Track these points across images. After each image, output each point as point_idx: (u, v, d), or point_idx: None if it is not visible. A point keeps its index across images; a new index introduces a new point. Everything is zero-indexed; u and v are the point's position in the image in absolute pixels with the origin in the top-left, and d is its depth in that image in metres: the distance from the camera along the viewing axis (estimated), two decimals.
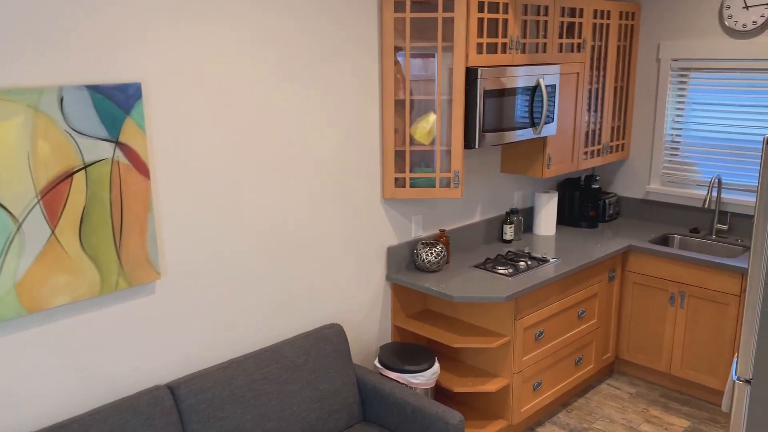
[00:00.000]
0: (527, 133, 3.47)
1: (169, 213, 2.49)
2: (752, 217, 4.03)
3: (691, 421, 3.69)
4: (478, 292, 3.15)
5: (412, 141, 3.24)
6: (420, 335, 3.65)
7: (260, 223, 2.80)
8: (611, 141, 4.33)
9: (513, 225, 3.97)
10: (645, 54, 4.34)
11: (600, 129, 4.17)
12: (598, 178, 4.36)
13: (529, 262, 3.53)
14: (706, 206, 3.98)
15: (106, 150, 2.25)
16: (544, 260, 3.59)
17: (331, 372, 2.92)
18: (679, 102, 4.28)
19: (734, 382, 2.82)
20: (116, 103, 2.25)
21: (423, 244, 3.44)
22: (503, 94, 3.27)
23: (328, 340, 2.97)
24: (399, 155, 3.29)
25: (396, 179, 3.29)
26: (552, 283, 3.41)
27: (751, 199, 4.02)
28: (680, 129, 4.31)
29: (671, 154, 4.38)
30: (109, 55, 2.24)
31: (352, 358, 3.32)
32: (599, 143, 4.19)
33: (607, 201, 4.45)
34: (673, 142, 4.35)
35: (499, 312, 3.28)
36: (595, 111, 4.12)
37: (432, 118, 3.20)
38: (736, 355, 3.09)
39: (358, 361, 3.37)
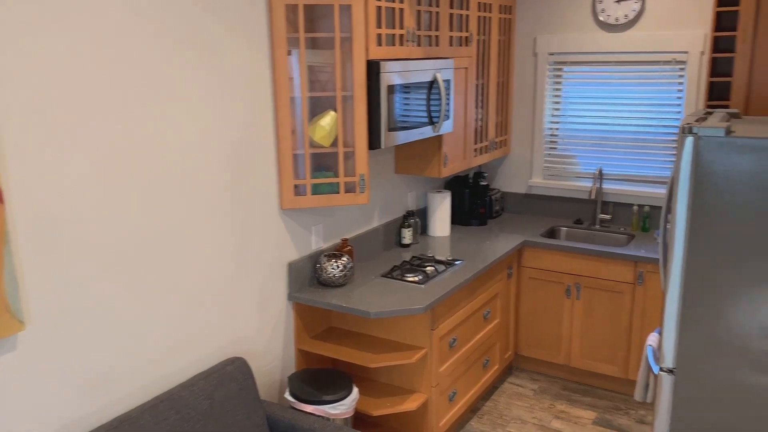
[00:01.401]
0: (427, 131, 3.27)
1: (33, 247, 1.96)
2: (632, 206, 4.18)
3: (597, 412, 3.72)
4: (395, 305, 2.89)
5: (311, 143, 2.90)
6: (329, 358, 3.32)
7: (137, 252, 2.32)
8: (496, 137, 4.28)
9: (411, 228, 3.77)
10: (522, 48, 4.35)
11: (486, 125, 4.10)
12: (485, 174, 4.29)
13: (436, 267, 3.34)
14: (593, 197, 4.06)
15: None
16: (450, 263, 3.42)
17: (239, 415, 2.51)
18: (556, 96, 4.33)
19: (655, 373, 2.82)
20: None
21: (326, 256, 3.12)
22: (406, 89, 3.04)
23: (233, 377, 2.56)
24: (298, 160, 2.94)
25: (296, 186, 2.94)
26: (463, 287, 3.25)
27: (630, 188, 4.16)
28: (558, 123, 4.37)
29: (551, 148, 4.43)
30: None
31: (259, 393, 2.91)
32: (486, 139, 4.12)
33: (492, 197, 4.40)
34: (552, 136, 4.41)
35: (414, 323, 3.05)
36: (482, 107, 4.04)
37: (332, 117, 2.88)
38: (648, 344, 3.11)
39: (265, 397, 2.97)
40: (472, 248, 3.72)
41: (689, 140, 2.50)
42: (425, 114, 3.25)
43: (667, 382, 2.73)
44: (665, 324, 2.70)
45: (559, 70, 4.28)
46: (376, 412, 2.97)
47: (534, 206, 4.52)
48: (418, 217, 4.02)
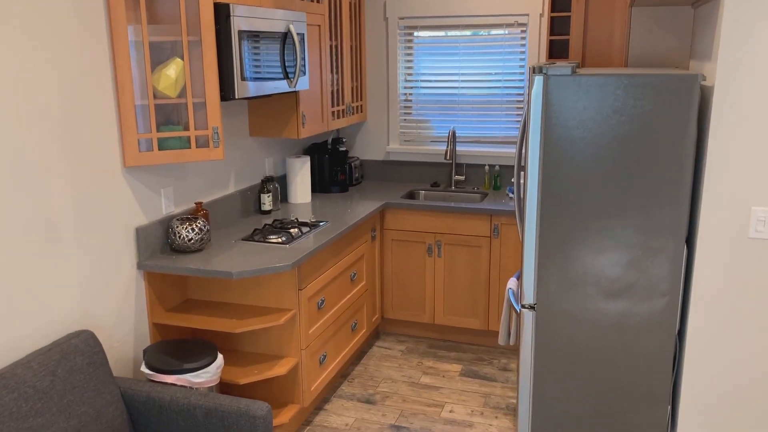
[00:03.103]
0: (282, 86, 3.13)
1: None
2: (483, 166, 4.32)
3: (462, 364, 3.80)
4: (259, 264, 2.74)
5: (155, 94, 2.65)
6: (188, 329, 3.08)
7: None
8: (353, 102, 4.23)
9: (270, 194, 3.61)
10: (373, 13, 4.33)
11: (342, 89, 4.03)
12: (344, 140, 4.23)
13: (300, 228, 3.22)
14: (447, 158, 4.14)
15: None
16: (315, 225, 3.32)
17: (89, 392, 2.23)
18: (408, 61, 4.37)
19: (516, 312, 2.92)
20: None
21: (179, 220, 2.88)
22: (258, 37, 2.88)
23: (79, 351, 2.27)
24: (141, 112, 2.68)
25: (140, 141, 2.67)
26: (328, 246, 3.16)
27: (481, 149, 4.30)
28: (412, 88, 4.41)
29: (405, 113, 4.47)
30: None
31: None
32: (343, 103, 4.05)
33: (352, 165, 4.35)
34: (407, 101, 4.44)
35: (281, 284, 2.91)
36: (336, 71, 3.96)
37: (177, 64, 2.66)
38: (508, 287, 3.22)
39: (118, 374, 2.68)
40: (336, 212, 3.64)
41: (539, 79, 2.60)
42: (279, 68, 3.11)
43: (529, 318, 2.83)
44: (525, 265, 2.79)
45: (410, 34, 4.32)
46: (243, 380, 2.80)
47: (392, 172, 4.54)
48: (278, 184, 3.87)
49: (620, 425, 2.80)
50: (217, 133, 2.73)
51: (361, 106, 4.38)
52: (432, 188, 4.33)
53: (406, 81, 4.40)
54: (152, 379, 2.50)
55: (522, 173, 3.18)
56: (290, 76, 3.19)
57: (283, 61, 3.12)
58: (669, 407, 2.75)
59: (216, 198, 3.31)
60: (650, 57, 3.54)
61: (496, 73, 4.19)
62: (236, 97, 2.74)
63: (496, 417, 3.24)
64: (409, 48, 4.34)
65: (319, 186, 4.18)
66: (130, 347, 2.75)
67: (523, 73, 4.14)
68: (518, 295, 3.04)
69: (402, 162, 4.50)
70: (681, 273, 2.61)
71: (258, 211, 3.65)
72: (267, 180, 3.62)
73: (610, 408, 2.80)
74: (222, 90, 2.75)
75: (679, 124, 2.47)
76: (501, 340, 3.37)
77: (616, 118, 2.53)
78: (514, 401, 3.38)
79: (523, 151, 3.12)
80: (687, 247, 2.62)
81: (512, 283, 3.30)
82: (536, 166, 2.67)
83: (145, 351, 2.62)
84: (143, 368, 2.53)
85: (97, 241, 2.54)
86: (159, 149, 2.69)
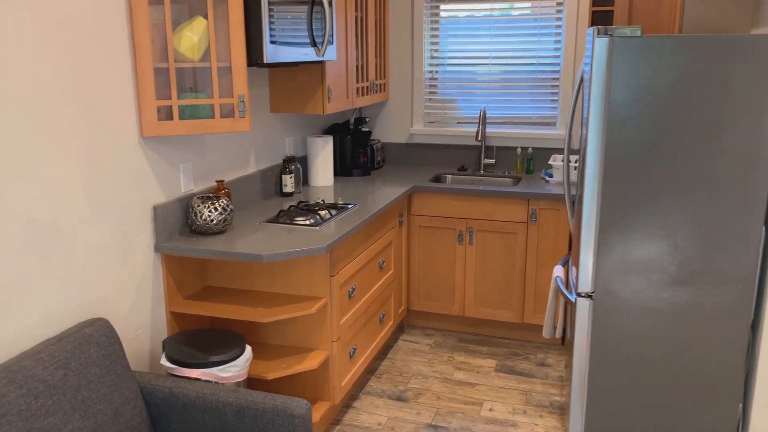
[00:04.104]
0: (310, 54, 2.86)
1: None
2: (515, 148, 4.07)
3: (497, 359, 3.55)
4: (290, 247, 2.47)
5: (176, 57, 2.38)
6: (209, 319, 2.81)
7: None
8: (376, 79, 3.97)
9: (293, 175, 3.34)
10: None
11: (366, 64, 3.77)
12: (367, 120, 3.97)
13: (329, 210, 2.96)
14: (478, 140, 3.88)
15: None
16: (344, 207, 3.06)
17: (105, 387, 1.97)
18: (434, 36, 4.11)
19: (571, 302, 2.67)
20: None
21: (200, 198, 2.61)
22: (284, 1, 2.62)
23: (93, 341, 2.00)
24: (161, 76, 2.41)
25: (159, 110, 2.40)
26: (360, 230, 2.90)
27: (512, 131, 4.04)
28: (437, 66, 4.15)
29: (431, 93, 4.20)
30: None
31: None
32: (367, 80, 3.79)
33: (374, 147, 4.09)
34: (432, 80, 4.18)
35: (311, 269, 2.65)
36: (360, 45, 3.70)
37: (201, 23, 2.39)
38: (555, 275, 2.97)
39: (133, 368, 2.42)
40: (360, 197, 3.38)
41: (603, 42, 2.34)
42: (306, 35, 2.84)
43: (585, 307, 2.57)
44: (582, 250, 2.54)
45: (436, 8, 4.06)
46: (271, 375, 2.53)
47: (416, 156, 4.28)
48: (299, 165, 3.60)
49: (684, 424, 2.56)
50: (243, 101, 2.46)
51: (384, 84, 4.11)
52: (459, 172, 4.07)
53: (432, 58, 4.14)
54: (174, 373, 2.24)
55: (569, 154, 2.92)
56: (318, 43, 2.92)
57: (311, 27, 2.85)
58: (740, 405, 2.50)
59: (236, 177, 3.04)
60: (707, 26, 3.29)
61: (529, 49, 3.93)
62: (265, 61, 2.47)
63: (541, 416, 2.99)
64: (436, 23, 4.07)
65: (340, 169, 3.91)
66: (146, 340, 2.48)
67: (559, 49, 3.88)
68: (568, 283, 2.79)
69: (426, 145, 4.24)
70: (758, 258, 2.36)
71: (279, 194, 3.38)
72: (289, 160, 3.35)
73: (673, 405, 2.55)
74: (249, 54, 2.49)
75: (759, 93, 2.22)
76: (546, 333, 3.12)
77: (689, 86, 2.28)
78: (558, 399, 3.13)
79: (572, 130, 2.86)
80: (766, 229, 2.37)
81: (559, 271, 3.04)
82: (597, 143, 2.41)
83: (164, 342, 2.35)
84: (163, 361, 2.27)
85: (113, 221, 2.27)
86: (180, 118, 2.42)
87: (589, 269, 2.54)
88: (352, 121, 3.98)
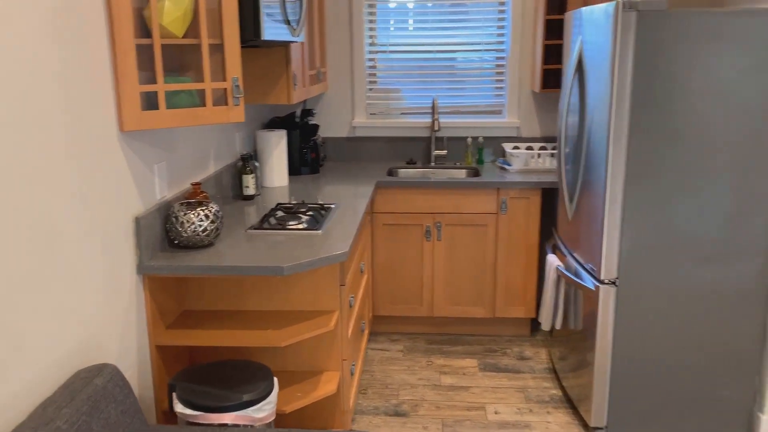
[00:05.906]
0: (284, 33, 2.49)
1: None
2: (465, 138, 3.93)
3: (476, 358, 3.38)
4: (301, 255, 2.11)
5: (161, 32, 1.93)
6: (201, 349, 2.35)
7: None
8: (321, 67, 3.63)
9: (254, 175, 2.93)
10: None
11: (313, 49, 3.42)
12: (314, 112, 3.62)
13: (319, 211, 2.61)
14: (436, 130, 3.69)
15: None
16: (327, 208, 2.71)
17: None
18: (371, 21, 3.84)
19: (592, 288, 2.56)
20: None
21: (184, 205, 2.16)
22: None
23: (109, 396, 1.54)
24: (143, 55, 1.94)
25: (142, 97, 1.93)
26: (360, 232, 2.58)
27: (461, 120, 3.90)
28: (376, 53, 3.90)
29: (371, 82, 3.94)
30: None
31: None
32: (314, 67, 3.44)
33: (317, 142, 3.75)
34: (372, 68, 3.92)
35: (317, 280, 2.30)
36: (309, 28, 3.34)
37: None
38: (555, 265, 2.85)
39: None
40: (329, 195, 3.05)
41: (632, 16, 2.24)
42: (280, 13, 2.47)
43: (609, 294, 2.47)
44: (606, 237, 2.43)
45: None
46: (289, 408, 2.15)
47: (359, 150, 3.99)
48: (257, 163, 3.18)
49: (704, 398, 2.55)
50: (238, 86, 2.06)
51: (325, 72, 3.79)
52: (409, 165, 3.85)
53: (371, 45, 3.88)
54: (194, 421, 1.80)
55: (563, 139, 2.82)
56: (291, 22, 2.56)
57: (283, 4, 2.48)
58: (756, 378, 2.54)
59: (200, 179, 2.59)
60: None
61: (472, 35, 3.80)
62: (263, 37, 2.09)
63: (548, 412, 2.87)
64: (373, 7, 3.81)
65: (289, 167, 3.53)
66: (135, 381, 2.00)
67: (503, 35, 3.79)
68: (574, 271, 2.68)
69: (369, 138, 3.97)
70: None
71: (239, 197, 2.95)
72: (247, 158, 2.93)
73: (694, 383, 2.53)
74: (242, 29, 2.09)
75: None
76: (545, 326, 3.00)
77: (716, 62, 2.25)
78: (556, 392, 3.03)
79: (566, 118, 2.77)
80: None
81: (555, 260, 2.94)
82: (624, 123, 2.32)
83: (172, 384, 1.89)
84: (179, 408, 1.82)
85: (95, 239, 1.78)
86: (166, 108, 1.96)
87: (614, 256, 2.44)
88: (298, 113, 3.61)
